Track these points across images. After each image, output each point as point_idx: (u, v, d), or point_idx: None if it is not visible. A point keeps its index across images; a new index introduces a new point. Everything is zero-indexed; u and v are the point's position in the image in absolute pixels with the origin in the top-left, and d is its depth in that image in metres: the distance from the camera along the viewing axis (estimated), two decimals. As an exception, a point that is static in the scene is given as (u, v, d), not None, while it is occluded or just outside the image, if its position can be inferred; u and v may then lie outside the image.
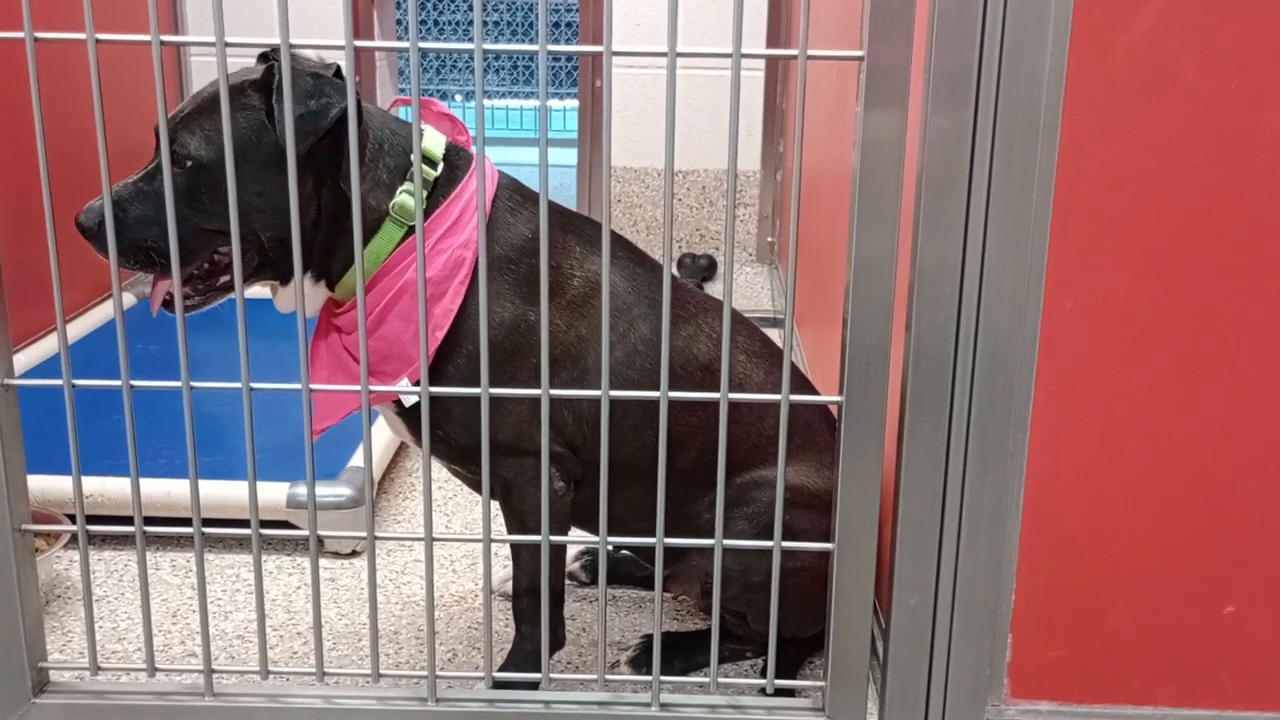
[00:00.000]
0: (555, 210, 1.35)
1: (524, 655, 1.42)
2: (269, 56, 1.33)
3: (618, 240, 1.41)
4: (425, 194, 1.30)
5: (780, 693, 1.33)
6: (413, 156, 1.15)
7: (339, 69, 1.29)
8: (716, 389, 1.16)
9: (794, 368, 1.20)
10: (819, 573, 1.34)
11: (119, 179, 1.25)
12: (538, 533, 1.24)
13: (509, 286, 1.32)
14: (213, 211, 1.26)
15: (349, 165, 1.20)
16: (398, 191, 1.30)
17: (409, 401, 1.31)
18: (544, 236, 1.12)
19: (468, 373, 1.30)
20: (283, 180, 1.21)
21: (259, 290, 1.39)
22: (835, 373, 1.20)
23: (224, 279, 1.33)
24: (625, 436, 1.35)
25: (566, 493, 1.38)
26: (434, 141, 1.33)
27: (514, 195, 1.36)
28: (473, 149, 1.38)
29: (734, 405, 1.18)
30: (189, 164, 1.25)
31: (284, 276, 1.32)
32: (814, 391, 1.55)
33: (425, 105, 1.30)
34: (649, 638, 1.60)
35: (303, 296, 1.19)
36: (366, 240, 1.28)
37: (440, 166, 1.32)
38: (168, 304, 1.31)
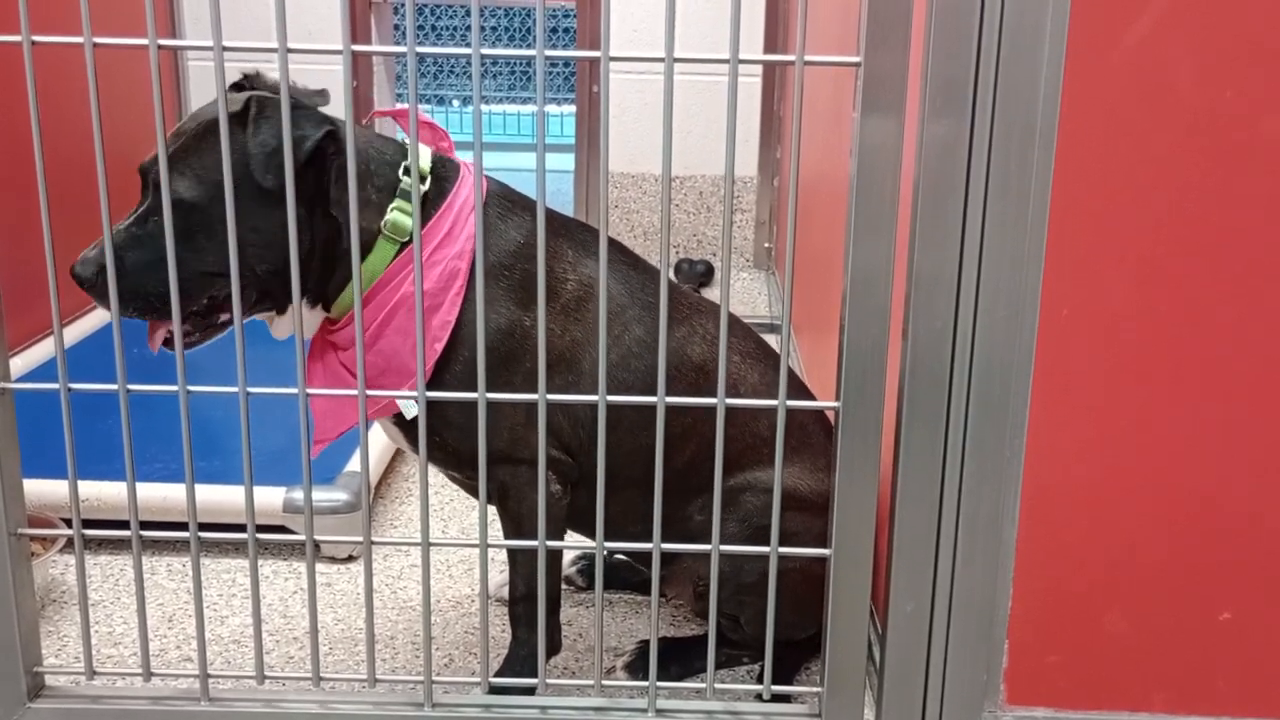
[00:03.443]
0: (548, 215, 1.35)
1: (520, 660, 1.42)
2: (245, 84, 1.33)
3: (612, 244, 1.41)
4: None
5: (777, 698, 1.32)
6: (409, 163, 1.15)
7: (326, 93, 1.30)
8: (710, 389, 1.15)
9: (789, 370, 1.20)
10: (812, 574, 1.34)
11: (117, 190, 1.24)
12: (535, 536, 1.24)
13: (503, 293, 1.32)
14: (208, 252, 1.25)
15: (335, 190, 1.23)
16: (388, 209, 1.30)
17: (410, 414, 1.31)
18: (541, 244, 1.12)
19: (464, 380, 1.30)
20: (272, 213, 1.21)
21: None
22: (832, 379, 1.20)
23: (223, 316, 1.33)
24: (621, 438, 1.35)
25: (563, 496, 1.38)
26: (421, 154, 1.32)
27: (504, 201, 1.36)
28: (455, 155, 1.38)
29: (729, 406, 1.18)
30: (180, 206, 1.23)
31: (282, 305, 1.32)
32: (809, 393, 1.55)
33: (404, 116, 1.29)
34: (645, 643, 1.59)
35: (300, 322, 1.19)
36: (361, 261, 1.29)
37: (429, 180, 1.32)
38: (167, 343, 1.30)
